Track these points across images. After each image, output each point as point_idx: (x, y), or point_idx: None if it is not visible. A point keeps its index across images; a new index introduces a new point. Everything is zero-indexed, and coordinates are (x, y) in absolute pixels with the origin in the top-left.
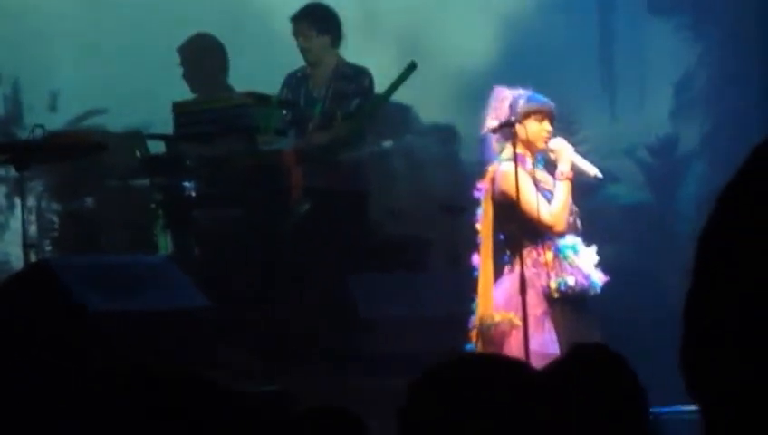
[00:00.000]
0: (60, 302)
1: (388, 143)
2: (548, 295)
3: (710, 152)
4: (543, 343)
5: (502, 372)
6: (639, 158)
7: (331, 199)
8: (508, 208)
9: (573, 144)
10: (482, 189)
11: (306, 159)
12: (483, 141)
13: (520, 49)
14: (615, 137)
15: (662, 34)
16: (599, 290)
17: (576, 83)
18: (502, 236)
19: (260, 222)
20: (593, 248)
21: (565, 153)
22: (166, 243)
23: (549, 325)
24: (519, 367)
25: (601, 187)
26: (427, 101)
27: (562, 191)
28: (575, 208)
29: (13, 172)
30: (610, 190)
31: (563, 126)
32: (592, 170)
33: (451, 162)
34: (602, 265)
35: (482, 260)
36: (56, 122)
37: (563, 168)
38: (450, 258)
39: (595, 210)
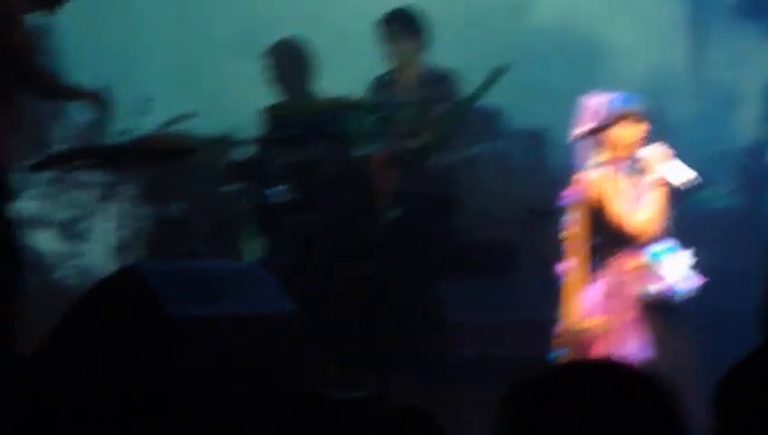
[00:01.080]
0: (148, 307)
1: (477, 148)
2: (637, 301)
3: None
4: (633, 350)
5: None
6: (730, 162)
7: (420, 204)
8: (598, 214)
9: (663, 145)
10: (572, 195)
11: (395, 163)
12: (573, 147)
13: (607, 52)
14: (705, 141)
15: (752, 37)
16: (687, 295)
17: (667, 87)
18: (591, 242)
19: (349, 227)
20: (684, 253)
21: (657, 159)
22: (254, 248)
23: (639, 332)
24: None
25: (692, 191)
26: (516, 106)
27: (654, 198)
28: (670, 213)
29: (101, 176)
30: (701, 195)
31: (654, 130)
32: (686, 176)
33: (541, 167)
34: (698, 269)
35: (571, 266)
36: (145, 127)
37: (655, 174)
38: (539, 263)
39: (686, 215)
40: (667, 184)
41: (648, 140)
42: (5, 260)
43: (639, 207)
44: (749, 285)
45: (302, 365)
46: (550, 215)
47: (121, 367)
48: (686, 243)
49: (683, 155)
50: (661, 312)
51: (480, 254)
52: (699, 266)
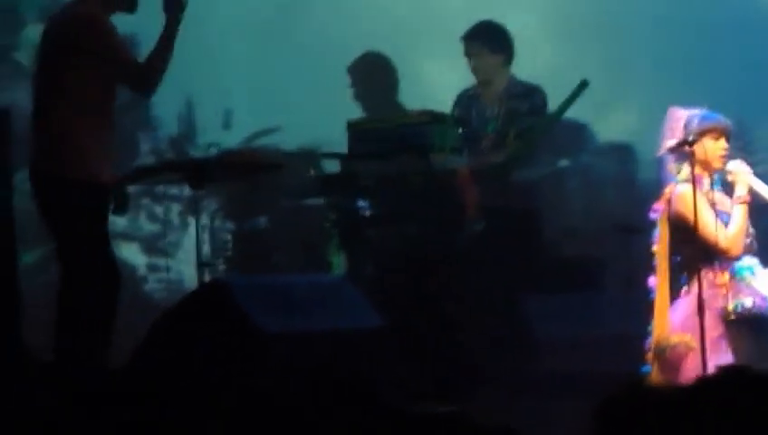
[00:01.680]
0: (236, 321)
1: (563, 162)
2: (725, 317)
3: None
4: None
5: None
6: None
7: (505, 218)
8: (684, 230)
9: (751, 164)
10: (658, 210)
11: (480, 177)
12: (660, 162)
13: (695, 67)
14: None
15: None
16: None
17: (754, 102)
18: (678, 258)
19: (434, 241)
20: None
21: (743, 176)
22: (340, 262)
23: (726, 348)
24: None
25: None
26: (603, 120)
27: (739, 214)
28: (752, 230)
29: (187, 191)
30: None
31: (741, 145)
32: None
33: (627, 182)
34: None
35: (658, 282)
36: (230, 141)
37: (740, 191)
38: (625, 279)
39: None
40: (751, 200)
41: (733, 155)
42: (105, 276)
43: (724, 223)
44: None
45: (388, 380)
46: (636, 230)
47: (210, 381)
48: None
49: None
50: (747, 328)
51: (566, 269)
52: None
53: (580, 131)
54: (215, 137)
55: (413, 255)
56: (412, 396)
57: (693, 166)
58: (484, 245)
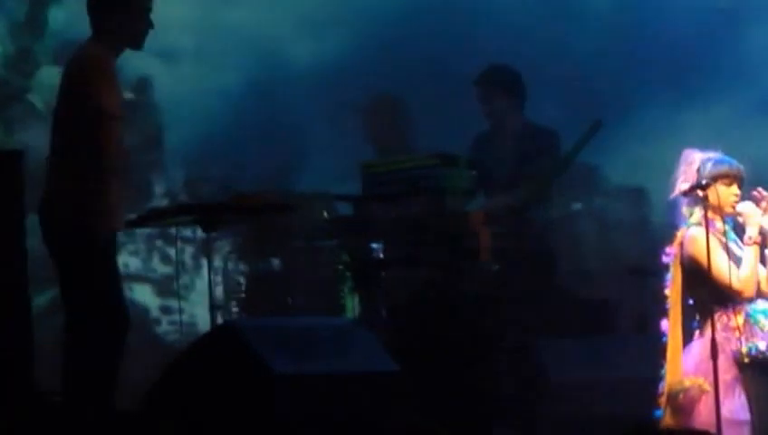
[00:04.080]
0: (248, 364)
1: (577, 205)
2: (738, 361)
3: None
4: (734, 410)
5: None
6: None
7: (519, 261)
8: (697, 273)
9: (763, 208)
10: (671, 254)
11: (494, 220)
12: (673, 205)
13: (709, 112)
14: None
15: None
16: None
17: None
18: (691, 301)
19: (448, 284)
20: None
21: (753, 218)
22: (353, 305)
23: (740, 391)
24: None
25: None
26: (616, 162)
27: (751, 256)
28: (765, 272)
29: (200, 233)
30: None
31: (752, 188)
32: None
33: (641, 225)
34: None
35: (671, 325)
36: (243, 183)
37: (751, 232)
38: (638, 322)
39: None
40: (763, 243)
41: (746, 198)
42: (114, 317)
43: (737, 265)
44: None
45: (405, 424)
46: (649, 272)
47: (222, 423)
48: None
49: None
50: (761, 371)
51: (579, 311)
52: None
53: (592, 173)
54: (226, 178)
55: (427, 298)
56: None
57: (706, 210)
58: (499, 287)
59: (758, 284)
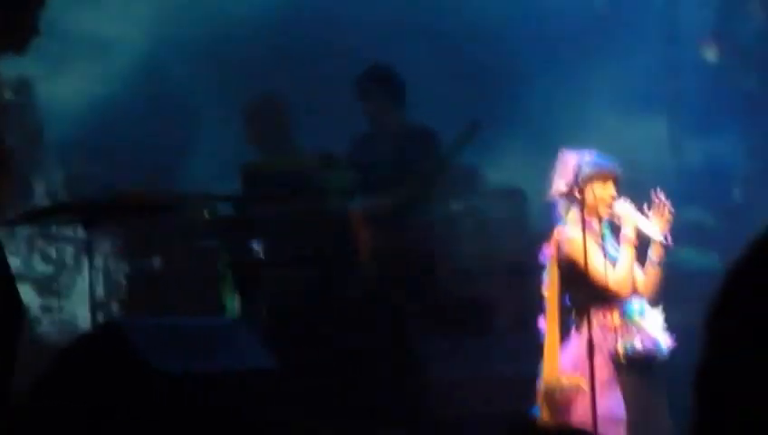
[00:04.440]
0: (131, 363)
1: (456, 205)
2: (615, 359)
3: None
4: (610, 407)
5: None
6: (707, 222)
7: (399, 260)
8: (574, 272)
9: (640, 208)
10: (548, 253)
11: (374, 220)
12: (551, 205)
13: (587, 110)
14: (683, 200)
15: (731, 98)
16: (666, 354)
17: (645, 145)
18: (568, 300)
19: (328, 284)
20: (659, 311)
21: (629, 217)
22: (234, 304)
23: (615, 389)
24: None
25: (669, 251)
26: (495, 163)
27: (626, 256)
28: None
29: (80, 232)
30: (678, 255)
31: (630, 189)
32: (658, 235)
33: (519, 224)
34: (671, 329)
35: (548, 324)
36: (124, 182)
37: (626, 232)
38: (517, 321)
39: (663, 274)
40: (639, 241)
41: (621, 198)
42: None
43: (614, 264)
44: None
45: (285, 423)
46: (528, 272)
47: (104, 423)
48: (662, 302)
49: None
50: (637, 370)
51: (458, 311)
52: (675, 327)
53: (471, 174)
54: (108, 178)
55: (307, 298)
56: None
57: (582, 210)
58: (378, 287)
59: (634, 283)
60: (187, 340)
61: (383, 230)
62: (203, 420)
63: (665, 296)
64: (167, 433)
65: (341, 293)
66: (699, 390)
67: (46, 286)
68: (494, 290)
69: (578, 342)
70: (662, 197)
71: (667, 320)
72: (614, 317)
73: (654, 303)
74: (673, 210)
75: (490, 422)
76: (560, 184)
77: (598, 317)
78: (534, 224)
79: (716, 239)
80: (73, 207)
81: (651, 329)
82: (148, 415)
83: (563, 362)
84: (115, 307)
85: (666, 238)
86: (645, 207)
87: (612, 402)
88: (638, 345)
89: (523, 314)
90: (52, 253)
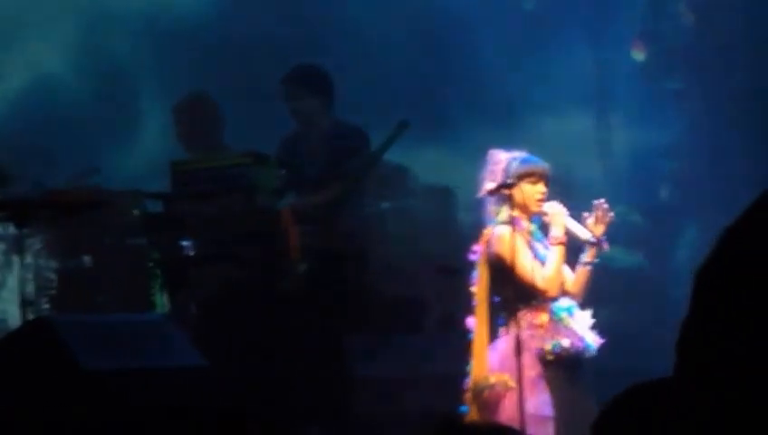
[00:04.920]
0: (59, 359)
1: (386, 204)
2: (542, 358)
3: (702, 216)
4: (538, 406)
5: None
6: (633, 221)
7: (328, 259)
8: (502, 271)
9: (569, 207)
10: (478, 252)
11: (304, 218)
12: (480, 204)
13: (515, 110)
14: (610, 199)
15: (657, 98)
16: (594, 352)
17: (574, 145)
18: (497, 299)
19: (258, 281)
20: (588, 311)
21: (558, 217)
22: (163, 301)
23: (543, 387)
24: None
25: (597, 250)
26: (424, 163)
27: (555, 256)
28: (570, 272)
29: (11, 229)
30: (606, 253)
31: (560, 188)
32: (585, 235)
33: (449, 224)
34: (598, 327)
35: (477, 322)
36: (54, 180)
37: (556, 232)
38: (445, 319)
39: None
40: (567, 241)
41: (551, 198)
42: None
43: (541, 264)
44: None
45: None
46: (456, 271)
47: (31, 420)
48: (589, 301)
49: (588, 212)
50: (564, 368)
51: (387, 310)
52: (602, 325)
53: (401, 173)
54: (38, 175)
55: (236, 295)
56: None
57: (512, 208)
58: (308, 285)
59: (562, 283)
60: (117, 337)
61: (313, 229)
62: (132, 416)
63: (592, 295)
64: (96, 431)
65: (271, 290)
66: (697, 287)
67: None
68: (423, 288)
69: (506, 340)
70: (604, 204)
71: (593, 317)
72: (542, 316)
73: (582, 302)
74: (613, 215)
75: (418, 420)
76: (490, 183)
77: (526, 316)
78: (464, 223)
79: (644, 238)
80: (4, 203)
81: (579, 328)
82: (77, 413)
83: (491, 360)
84: (45, 305)
85: (601, 242)
86: (585, 214)
87: (540, 401)
88: (566, 344)
89: (452, 313)
90: None
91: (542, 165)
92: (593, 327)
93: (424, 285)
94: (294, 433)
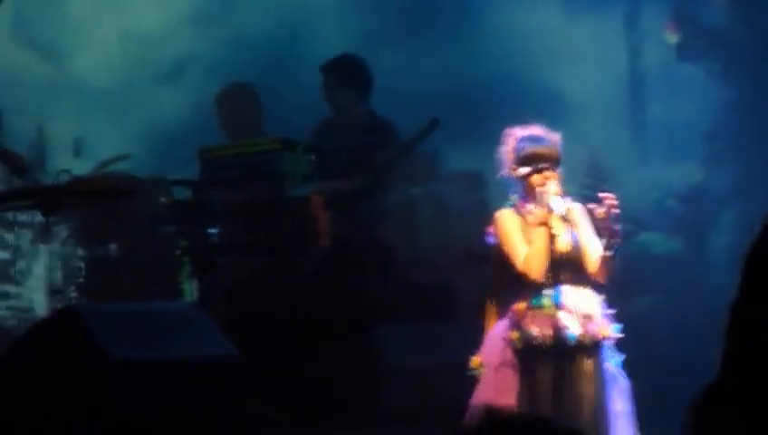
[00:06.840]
0: (88, 348)
1: (415, 190)
2: (513, 345)
3: (740, 201)
4: (491, 393)
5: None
6: (670, 206)
7: (357, 246)
8: (498, 254)
9: (603, 191)
10: (491, 234)
11: (332, 205)
12: (506, 186)
13: (549, 95)
14: (645, 185)
15: (692, 81)
16: (573, 342)
17: (607, 131)
18: (500, 283)
19: (286, 268)
20: (598, 298)
21: (542, 197)
22: (191, 289)
23: (506, 375)
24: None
25: (633, 235)
26: (455, 147)
27: (536, 237)
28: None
29: (38, 217)
30: (642, 239)
31: (593, 173)
32: (559, 210)
33: (479, 209)
34: (634, 314)
35: (487, 305)
36: (82, 168)
37: (537, 212)
38: (477, 307)
39: (625, 259)
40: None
41: (588, 182)
42: None
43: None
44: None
45: (242, 409)
46: (487, 257)
47: (61, 409)
48: (625, 287)
49: (622, 198)
50: (548, 356)
51: (417, 297)
52: (638, 311)
53: (431, 158)
54: (65, 164)
55: (264, 283)
56: (263, 425)
57: (523, 189)
58: (336, 272)
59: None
60: (146, 326)
61: (341, 215)
62: (159, 404)
63: (629, 281)
64: (123, 419)
65: (299, 278)
66: (748, 269)
67: (3, 272)
68: (454, 276)
69: (497, 327)
70: (611, 198)
71: (631, 305)
72: (520, 303)
73: (618, 288)
74: (618, 212)
75: (449, 410)
76: (503, 164)
77: (515, 301)
78: (495, 208)
79: (681, 224)
80: (31, 192)
81: (565, 317)
82: (106, 402)
83: (484, 347)
84: (72, 293)
85: (613, 232)
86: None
87: (495, 388)
88: (534, 332)
89: (483, 300)
90: (10, 239)
91: (546, 145)
92: (612, 316)
93: (454, 272)
94: (322, 424)
